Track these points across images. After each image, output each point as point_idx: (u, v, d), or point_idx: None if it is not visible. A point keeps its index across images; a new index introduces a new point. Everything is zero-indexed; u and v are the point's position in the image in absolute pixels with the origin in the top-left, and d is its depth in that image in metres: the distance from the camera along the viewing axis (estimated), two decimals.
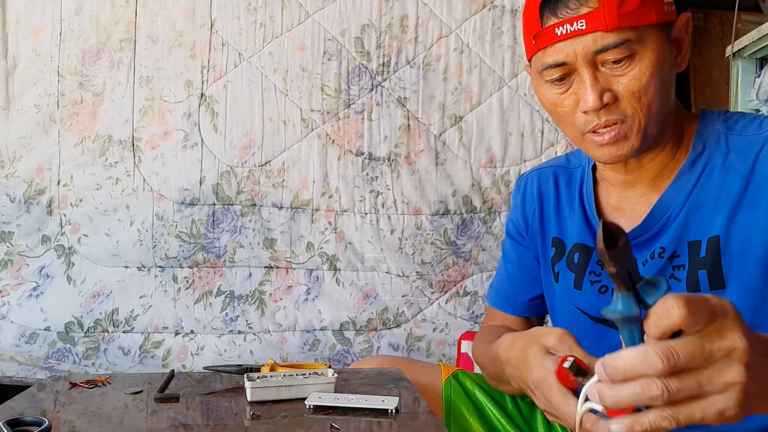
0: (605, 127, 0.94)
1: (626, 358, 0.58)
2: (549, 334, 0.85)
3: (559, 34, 0.93)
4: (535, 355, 0.85)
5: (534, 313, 1.29)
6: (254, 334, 2.30)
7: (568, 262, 1.14)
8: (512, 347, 0.92)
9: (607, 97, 0.92)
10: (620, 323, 0.61)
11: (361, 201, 2.34)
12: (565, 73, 0.96)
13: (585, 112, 0.95)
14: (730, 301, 0.62)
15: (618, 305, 0.60)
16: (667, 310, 0.57)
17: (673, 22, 0.97)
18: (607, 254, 0.58)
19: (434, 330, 2.34)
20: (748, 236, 0.95)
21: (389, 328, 2.35)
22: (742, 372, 0.59)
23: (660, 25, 0.94)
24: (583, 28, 0.91)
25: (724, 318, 0.60)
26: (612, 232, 0.59)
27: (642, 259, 1.03)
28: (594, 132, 0.96)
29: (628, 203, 1.08)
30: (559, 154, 2.32)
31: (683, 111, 1.05)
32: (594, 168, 1.14)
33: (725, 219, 0.96)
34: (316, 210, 2.34)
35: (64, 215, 2.28)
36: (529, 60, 1.02)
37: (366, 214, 2.34)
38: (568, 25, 0.92)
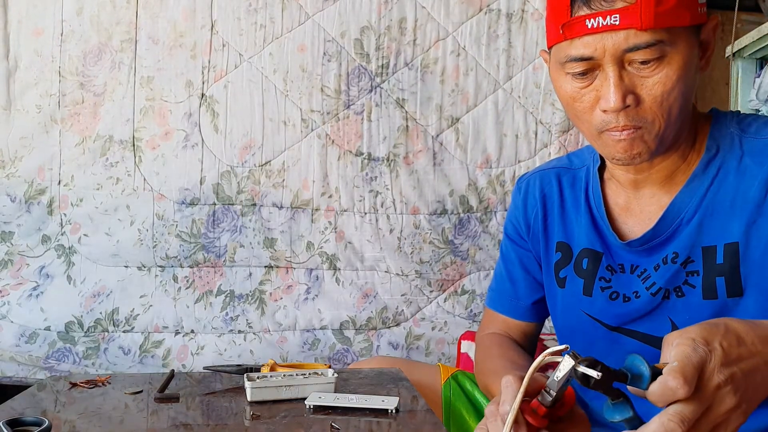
0: (622, 130, 0.91)
1: None
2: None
3: (589, 26, 0.87)
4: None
5: (536, 318, 1.25)
6: (254, 333, 2.30)
7: (576, 267, 1.11)
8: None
9: (629, 99, 0.89)
10: (624, 423, 0.68)
11: (360, 201, 2.34)
12: (589, 67, 0.91)
13: (604, 111, 0.91)
14: (704, 329, 0.68)
15: (615, 415, 0.67)
16: (671, 390, 0.63)
17: (702, 24, 0.93)
18: (601, 389, 0.66)
19: (433, 329, 2.35)
20: None
21: (389, 327, 2.35)
22: (733, 398, 0.66)
23: (691, 27, 0.90)
24: (617, 23, 0.86)
25: (709, 362, 0.65)
26: (586, 374, 0.66)
27: (654, 264, 1.01)
28: (611, 132, 0.93)
29: (637, 204, 1.05)
30: (552, 155, 2.33)
31: (697, 111, 1.03)
32: (600, 168, 1.11)
33: (744, 225, 0.94)
34: (316, 210, 2.34)
35: (65, 215, 2.28)
36: (550, 48, 0.98)
37: (365, 213, 2.34)
38: (600, 18, 0.86)
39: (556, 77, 0.98)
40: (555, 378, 0.69)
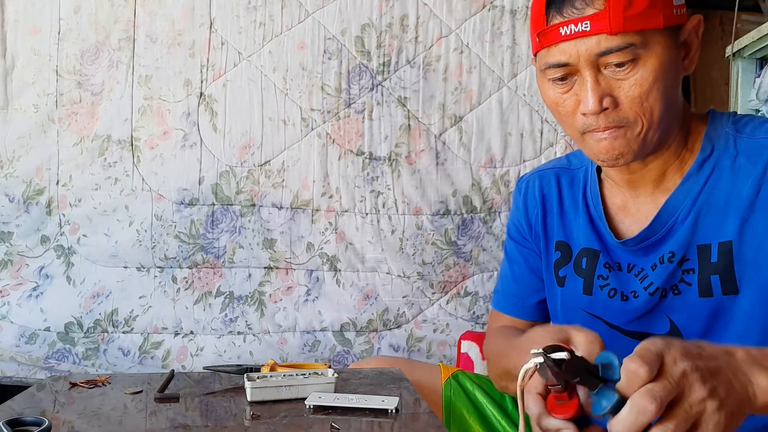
0: (604, 131, 0.94)
1: (622, 417, 0.65)
2: (580, 332, 0.82)
3: (563, 33, 0.91)
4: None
5: (542, 317, 1.25)
6: (254, 334, 2.30)
7: (575, 267, 1.13)
8: (544, 331, 0.88)
9: (606, 102, 0.92)
10: (613, 411, 0.67)
11: (361, 201, 2.33)
12: (568, 73, 0.94)
13: (584, 114, 0.94)
14: (662, 338, 0.71)
15: (602, 401, 0.67)
16: (633, 372, 0.65)
17: (682, 25, 0.95)
18: (570, 375, 0.67)
19: (435, 331, 2.34)
20: (762, 241, 0.94)
21: (390, 329, 2.34)
22: (703, 388, 0.66)
23: (667, 29, 0.92)
24: (588, 29, 0.89)
25: (668, 352, 0.68)
26: (555, 360, 0.67)
27: (651, 263, 1.02)
28: (593, 132, 0.95)
29: (633, 204, 1.07)
30: (558, 154, 2.32)
31: (690, 112, 1.04)
32: (598, 169, 1.13)
33: (737, 223, 0.96)
34: (317, 210, 2.33)
35: (64, 215, 2.28)
36: (535, 56, 1.01)
37: (366, 214, 2.34)
38: (572, 25, 0.90)
39: (541, 84, 1.02)
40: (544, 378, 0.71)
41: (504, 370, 1.10)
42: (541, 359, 0.68)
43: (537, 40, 0.96)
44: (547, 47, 0.95)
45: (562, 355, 0.67)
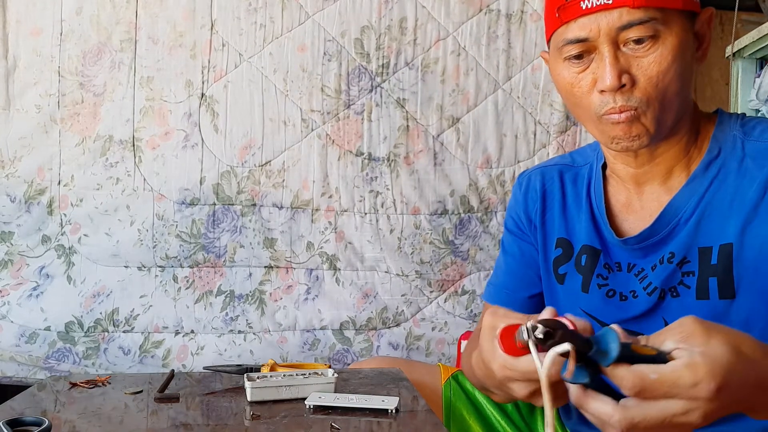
0: (620, 112, 0.93)
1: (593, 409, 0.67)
2: (484, 316, 0.81)
3: (584, 7, 0.91)
4: (486, 343, 0.80)
5: (533, 311, 1.23)
6: (254, 333, 2.30)
7: (576, 264, 1.11)
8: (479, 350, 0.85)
9: (625, 79, 0.91)
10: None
11: (360, 201, 2.34)
12: (585, 50, 0.94)
13: (602, 92, 0.93)
14: (730, 362, 0.65)
15: (576, 375, 0.66)
16: (625, 386, 0.64)
17: (697, 14, 0.96)
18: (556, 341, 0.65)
19: (433, 329, 2.35)
20: (763, 245, 0.93)
21: (389, 328, 2.35)
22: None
23: (684, 13, 0.93)
24: (609, 2, 0.89)
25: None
26: (548, 330, 0.65)
27: (651, 264, 1.01)
28: (609, 114, 0.94)
29: (638, 201, 1.06)
30: (551, 155, 2.35)
31: (699, 109, 1.04)
32: (603, 166, 1.12)
33: (739, 226, 0.95)
34: (316, 210, 2.34)
35: (65, 215, 2.28)
36: (549, 38, 1.01)
37: (366, 214, 2.34)
38: None
39: (555, 66, 1.00)
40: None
41: (486, 390, 1.06)
42: (566, 347, 0.65)
43: (557, 15, 0.95)
44: (566, 23, 0.94)
45: (539, 332, 0.65)
